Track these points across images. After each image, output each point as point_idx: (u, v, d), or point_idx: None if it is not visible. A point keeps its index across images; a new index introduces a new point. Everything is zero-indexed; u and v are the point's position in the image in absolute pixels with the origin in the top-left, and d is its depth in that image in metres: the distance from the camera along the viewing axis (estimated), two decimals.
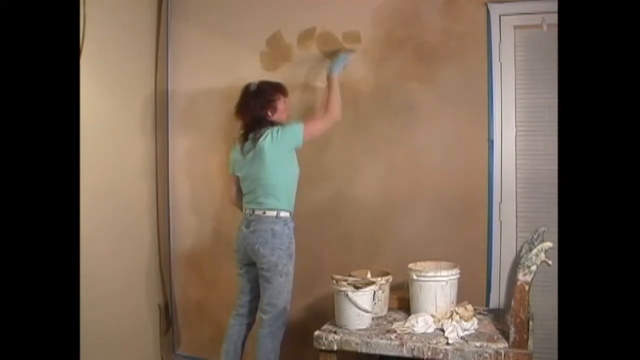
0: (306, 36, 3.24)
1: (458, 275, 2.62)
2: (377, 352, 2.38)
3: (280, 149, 2.71)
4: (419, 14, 3.04)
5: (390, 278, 2.70)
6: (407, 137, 3.07)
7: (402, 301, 2.77)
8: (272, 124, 2.77)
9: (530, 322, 2.41)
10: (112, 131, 3.08)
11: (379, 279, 2.64)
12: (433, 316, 2.51)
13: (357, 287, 2.48)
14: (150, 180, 3.41)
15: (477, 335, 2.36)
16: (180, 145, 3.53)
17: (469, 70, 2.95)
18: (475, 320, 2.47)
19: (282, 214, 2.72)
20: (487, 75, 2.92)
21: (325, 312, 2.92)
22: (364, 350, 2.38)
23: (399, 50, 3.08)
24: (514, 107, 2.91)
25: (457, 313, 2.49)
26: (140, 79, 3.34)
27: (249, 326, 2.88)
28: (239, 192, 2.89)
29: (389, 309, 2.75)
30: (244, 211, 2.82)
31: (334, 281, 2.54)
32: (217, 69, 3.42)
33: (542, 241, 2.28)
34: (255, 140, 2.71)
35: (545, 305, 2.75)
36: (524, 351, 2.20)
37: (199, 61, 3.47)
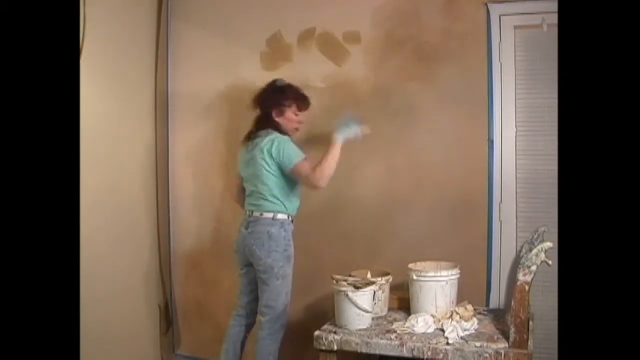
0: (306, 36, 3.24)
1: (458, 275, 2.62)
2: (377, 352, 2.38)
3: (273, 162, 2.69)
4: (419, 14, 3.04)
5: (390, 278, 2.70)
6: (407, 137, 3.07)
7: (402, 301, 2.77)
8: (278, 127, 2.76)
9: (530, 322, 2.41)
10: (112, 131, 3.07)
11: (379, 279, 2.64)
12: (433, 316, 2.51)
13: (357, 287, 2.48)
14: (150, 180, 3.41)
15: (477, 335, 2.36)
16: (180, 145, 3.53)
17: (469, 70, 2.95)
18: (475, 320, 2.46)
19: (280, 216, 2.71)
20: (487, 75, 2.92)
21: (325, 312, 2.92)
22: (364, 350, 2.38)
23: (399, 50, 3.08)
24: (514, 107, 2.91)
25: (457, 313, 2.49)
26: (140, 79, 3.34)
27: (249, 327, 2.88)
28: (241, 192, 2.89)
29: (389, 309, 2.74)
30: (244, 212, 2.82)
31: (334, 281, 2.54)
32: (217, 69, 3.42)
33: (542, 241, 2.28)
34: (256, 143, 2.71)
35: (545, 305, 2.75)
36: (524, 351, 2.20)
37: (199, 61, 3.47)
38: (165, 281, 3.47)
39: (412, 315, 2.56)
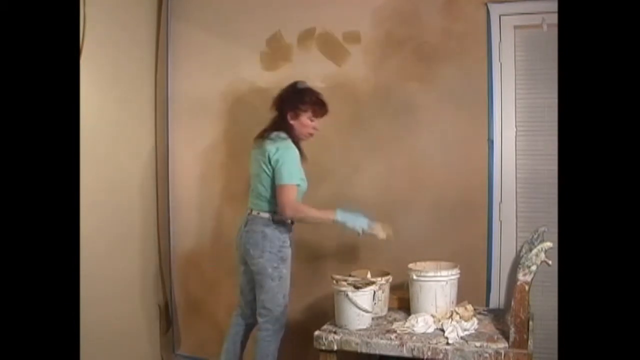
0: (306, 36, 3.24)
1: (458, 275, 2.62)
2: (377, 352, 2.38)
3: (271, 168, 2.65)
4: (419, 14, 3.04)
5: (390, 278, 2.70)
6: (407, 137, 3.07)
7: (402, 301, 2.77)
8: (291, 130, 2.70)
9: (530, 322, 2.41)
10: (112, 131, 3.08)
11: (379, 279, 2.64)
12: (433, 316, 2.51)
13: (357, 287, 2.48)
14: (150, 180, 3.41)
15: (477, 335, 2.36)
16: (180, 145, 3.53)
17: (469, 70, 2.95)
18: (475, 320, 2.46)
19: (277, 217, 2.69)
20: (487, 75, 2.92)
21: (325, 312, 2.92)
22: (364, 350, 2.38)
23: (399, 50, 3.08)
24: (514, 107, 2.91)
25: (457, 313, 2.49)
26: (140, 79, 3.34)
27: (250, 326, 2.87)
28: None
29: (389, 309, 2.74)
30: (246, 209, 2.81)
31: (334, 281, 2.54)
32: (217, 69, 3.42)
33: (542, 241, 2.28)
34: (264, 144, 2.67)
35: (545, 305, 2.75)
36: (524, 351, 2.20)
37: (199, 61, 3.47)
38: (165, 281, 3.47)
39: (412, 315, 2.56)
